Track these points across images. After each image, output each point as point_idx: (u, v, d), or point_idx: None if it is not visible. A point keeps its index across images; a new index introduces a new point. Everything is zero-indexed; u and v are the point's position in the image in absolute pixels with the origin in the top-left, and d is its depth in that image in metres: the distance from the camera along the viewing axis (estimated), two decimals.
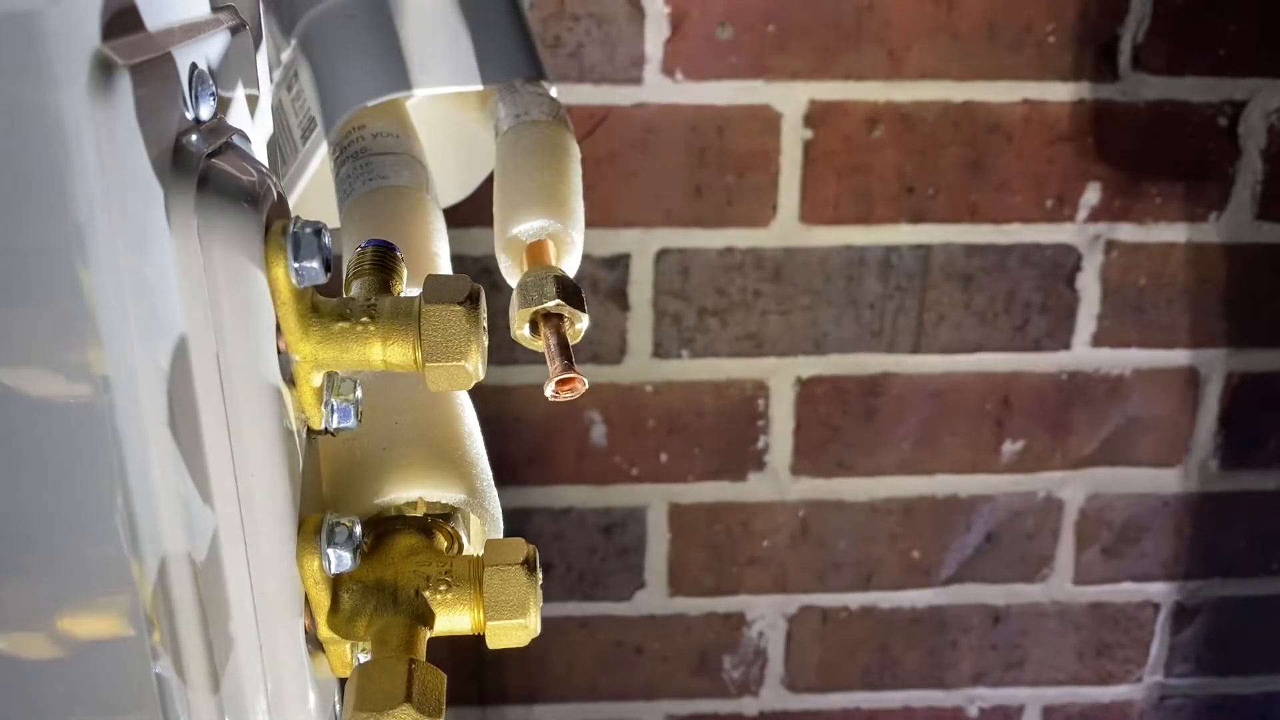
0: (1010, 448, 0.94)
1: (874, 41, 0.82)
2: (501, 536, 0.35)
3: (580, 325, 0.37)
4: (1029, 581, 0.98)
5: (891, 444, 0.93)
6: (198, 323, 0.26)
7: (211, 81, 0.28)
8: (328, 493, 0.34)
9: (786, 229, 0.86)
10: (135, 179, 0.23)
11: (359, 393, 0.30)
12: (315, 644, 0.31)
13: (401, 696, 0.27)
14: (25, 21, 0.20)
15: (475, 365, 0.29)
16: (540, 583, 0.31)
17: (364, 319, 0.28)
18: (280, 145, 0.51)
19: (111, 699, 0.25)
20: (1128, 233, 0.89)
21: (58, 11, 0.20)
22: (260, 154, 0.34)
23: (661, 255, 0.86)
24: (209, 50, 0.28)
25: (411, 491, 0.34)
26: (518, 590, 0.31)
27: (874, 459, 0.93)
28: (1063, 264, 0.89)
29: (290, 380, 0.28)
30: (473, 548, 0.35)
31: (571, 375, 0.35)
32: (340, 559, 0.29)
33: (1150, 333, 0.91)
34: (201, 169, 0.25)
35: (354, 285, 0.33)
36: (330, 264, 0.27)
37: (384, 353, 0.29)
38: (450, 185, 0.51)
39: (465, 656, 0.96)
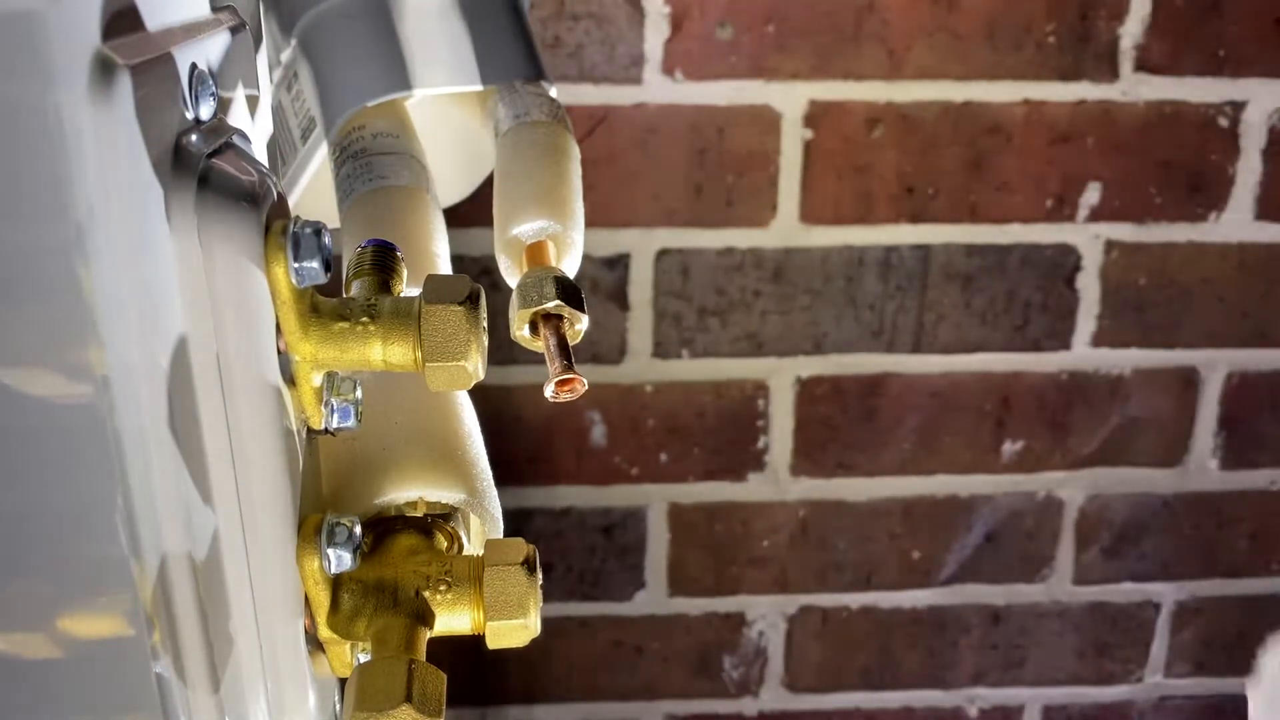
0: (1010, 448, 0.94)
1: (874, 41, 0.82)
2: (501, 536, 0.35)
3: (580, 326, 0.37)
4: (1029, 581, 0.98)
5: (891, 444, 0.93)
6: (198, 323, 0.26)
7: (211, 81, 0.28)
8: (328, 493, 0.34)
9: (786, 229, 0.86)
10: (135, 179, 0.23)
11: (359, 393, 0.30)
12: (315, 644, 0.31)
13: (401, 696, 0.27)
14: (25, 21, 0.20)
15: (475, 365, 0.29)
16: (540, 583, 0.31)
17: (364, 319, 0.28)
18: (280, 145, 0.51)
19: (111, 699, 0.25)
20: (1128, 233, 0.89)
21: (58, 11, 0.20)
22: (260, 154, 0.34)
23: (661, 255, 0.86)
24: (209, 50, 0.28)
25: (411, 491, 0.34)
26: (518, 590, 0.31)
27: (874, 459, 0.93)
28: (1063, 264, 0.89)
29: (290, 380, 0.28)
30: (473, 548, 0.35)
31: (571, 375, 0.35)
32: (340, 559, 0.29)
33: (1150, 333, 0.91)
34: (202, 169, 0.25)
35: (354, 285, 0.33)
36: (330, 264, 0.27)
37: (384, 353, 0.29)
38: (450, 185, 0.51)
39: (465, 656, 0.96)
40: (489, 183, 0.43)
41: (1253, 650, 1.01)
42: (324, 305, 0.28)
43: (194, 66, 0.27)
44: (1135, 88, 0.85)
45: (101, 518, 0.23)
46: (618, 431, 0.90)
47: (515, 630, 0.31)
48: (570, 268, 0.40)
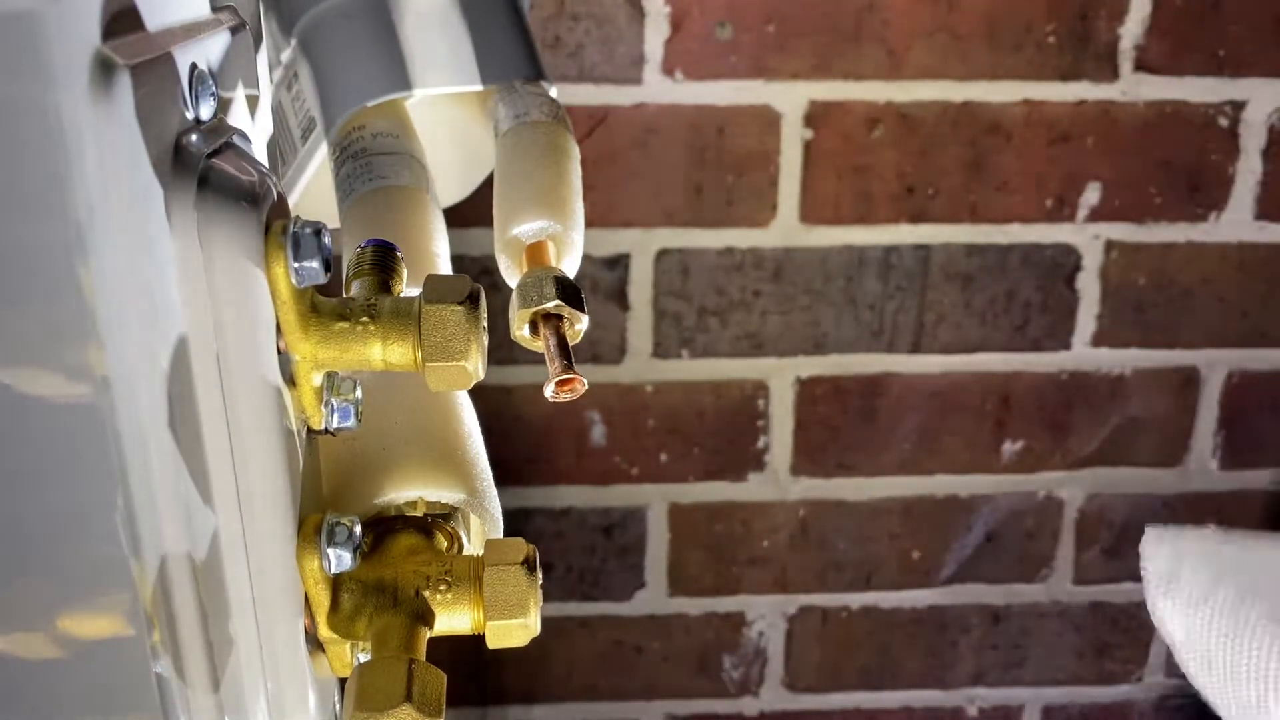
0: (1010, 448, 0.94)
1: (874, 41, 0.82)
2: (501, 536, 0.35)
3: (580, 326, 0.37)
4: (1029, 581, 0.98)
5: (891, 444, 0.93)
6: (198, 323, 0.26)
7: (211, 81, 0.28)
8: (328, 493, 0.34)
9: (786, 229, 0.86)
10: (135, 179, 0.23)
11: (359, 393, 0.30)
12: (315, 644, 0.31)
13: (401, 696, 0.27)
14: (25, 21, 0.20)
15: (475, 365, 0.29)
16: (540, 583, 0.31)
17: (364, 319, 0.28)
18: (280, 145, 0.51)
19: (111, 699, 0.25)
20: (1128, 233, 0.89)
21: (58, 11, 0.20)
22: (260, 154, 0.34)
23: (661, 255, 0.86)
24: (209, 50, 0.28)
25: (411, 491, 0.34)
26: (518, 590, 0.31)
27: (874, 459, 0.93)
28: (1063, 264, 0.89)
29: (290, 380, 0.28)
30: (473, 547, 0.35)
31: (571, 375, 0.35)
32: (340, 559, 0.29)
33: (1150, 333, 0.91)
34: (201, 169, 0.25)
35: (354, 285, 0.33)
36: (330, 264, 0.27)
37: (384, 353, 0.28)
38: (450, 185, 0.51)
39: (465, 656, 0.96)
40: (489, 183, 0.43)
41: None
42: (324, 305, 0.28)
43: (194, 66, 0.27)
44: (1135, 88, 0.85)
45: (101, 518, 0.23)
46: (618, 431, 0.90)
47: (515, 630, 0.31)
48: (570, 268, 0.40)
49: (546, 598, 0.32)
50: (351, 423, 0.30)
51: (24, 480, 0.23)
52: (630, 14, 0.81)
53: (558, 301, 0.36)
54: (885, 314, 0.89)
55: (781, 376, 0.90)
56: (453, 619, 0.31)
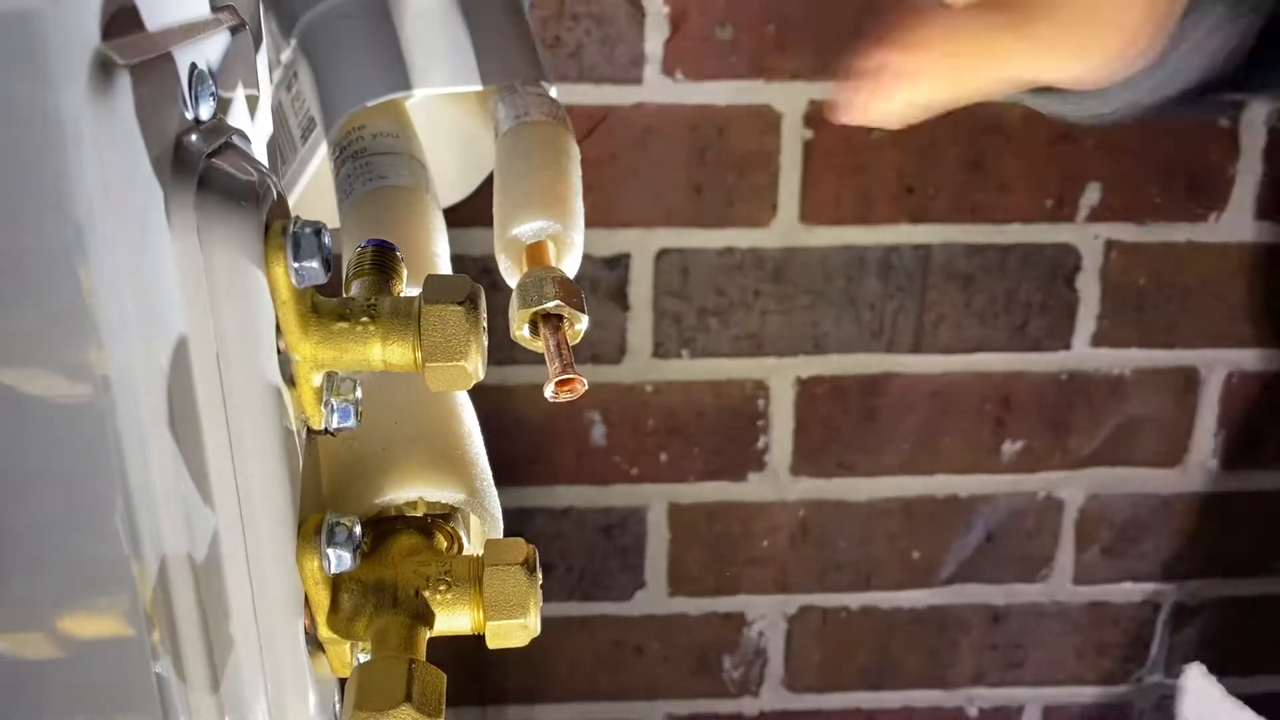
0: (1010, 448, 0.94)
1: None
2: (501, 536, 0.35)
3: (580, 326, 0.37)
4: (1029, 581, 0.98)
5: (891, 444, 0.93)
6: (198, 323, 0.26)
7: (211, 81, 0.28)
8: (328, 493, 0.34)
9: (786, 229, 0.86)
10: (135, 179, 0.23)
11: (359, 393, 0.30)
12: (315, 644, 0.31)
13: (401, 696, 0.27)
14: (25, 21, 0.20)
15: (475, 365, 0.29)
16: (540, 583, 0.31)
17: (364, 319, 0.28)
18: (280, 145, 0.51)
19: (111, 699, 0.25)
20: (1128, 233, 0.89)
21: (58, 11, 0.20)
22: (260, 154, 0.34)
23: (661, 255, 0.86)
24: (209, 50, 0.28)
25: (411, 491, 0.34)
26: (518, 590, 0.31)
27: (874, 459, 0.93)
28: (1063, 264, 0.89)
29: (290, 380, 0.28)
30: (473, 548, 0.35)
31: (571, 376, 0.35)
32: (340, 559, 0.29)
33: (1150, 333, 0.91)
34: (201, 169, 0.25)
35: (354, 285, 0.33)
36: (330, 264, 0.27)
37: (384, 353, 0.28)
38: (450, 185, 0.51)
39: (465, 656, 0.96)
40: (489, 183, 0.43)
41: (1253, 650, 1.01)
42: (324, 305, 0.28)
43: (194, 66, 0.27)
44: None
45: (101, 518, 0.23)
46: (618, 431, 0.90)
47: (515, 630, 0.31)
48: (570, 268, 0.40)
49: (546, 598, 0.32)
50: (351, 423, 0.30)
51: (24, 480, 0.23)
52: (630, 14, 0.81)
53: (558, 301, 0.36)
54: (885, 314, 0.89)
55: (781, 376, 0.90)
56: (453, 619, 0.31)
